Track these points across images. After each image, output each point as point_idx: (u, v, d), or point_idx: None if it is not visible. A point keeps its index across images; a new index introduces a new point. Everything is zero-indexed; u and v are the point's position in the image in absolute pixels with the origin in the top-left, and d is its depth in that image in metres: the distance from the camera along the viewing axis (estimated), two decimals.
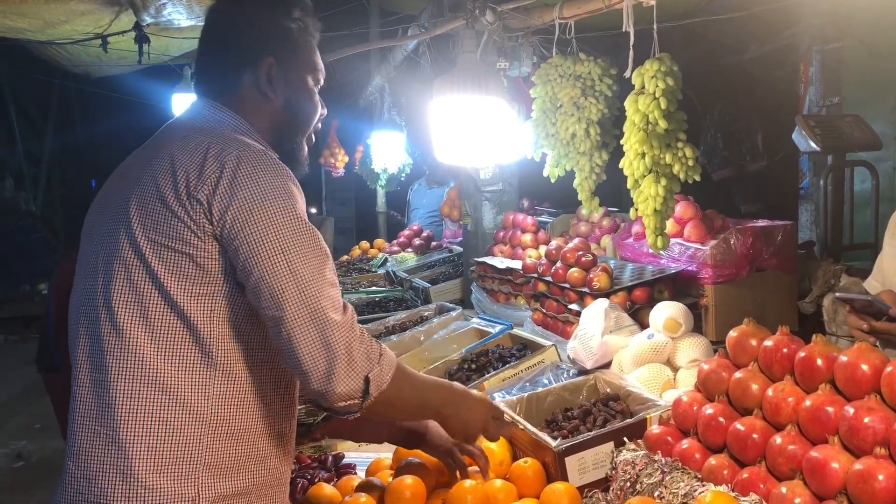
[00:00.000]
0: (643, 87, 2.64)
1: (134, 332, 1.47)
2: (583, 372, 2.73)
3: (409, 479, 2.01)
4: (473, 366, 3.06)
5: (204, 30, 1.71)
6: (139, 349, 1.47)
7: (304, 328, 1.42)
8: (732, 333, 2.05)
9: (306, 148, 1.77)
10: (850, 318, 1.93)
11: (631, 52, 2.63)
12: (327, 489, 2.10)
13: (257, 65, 1.63)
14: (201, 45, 1.71)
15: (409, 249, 5.92)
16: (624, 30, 2.64)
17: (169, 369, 1.46)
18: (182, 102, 6.24)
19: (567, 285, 3.30)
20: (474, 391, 1.89)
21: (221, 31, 1.68)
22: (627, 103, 2.70)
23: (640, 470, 1.93)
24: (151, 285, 1.47)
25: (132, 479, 1.43)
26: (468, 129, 2.71)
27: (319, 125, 1.79)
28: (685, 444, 1.98)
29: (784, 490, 1.67)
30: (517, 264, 3.88)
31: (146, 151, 1.63)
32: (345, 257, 6.24)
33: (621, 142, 2.77)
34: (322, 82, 1.75)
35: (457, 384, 1.87)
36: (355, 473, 2.36)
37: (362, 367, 1.46)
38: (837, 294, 1.90)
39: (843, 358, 1.73)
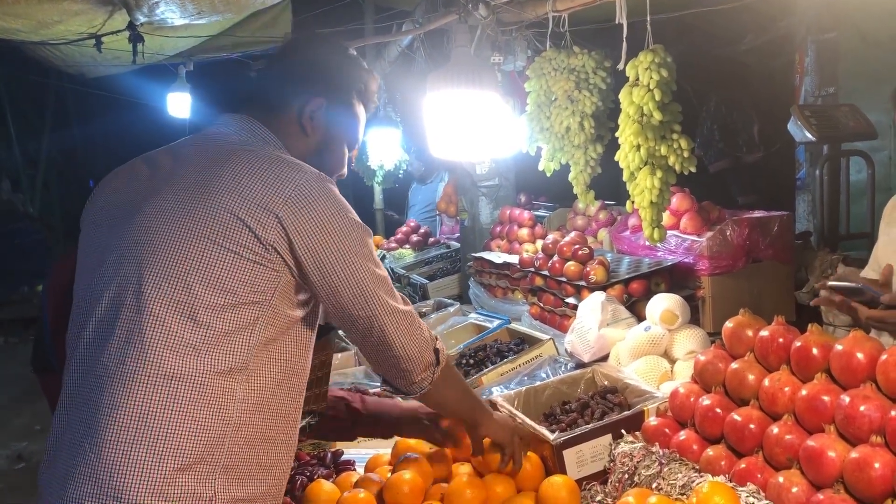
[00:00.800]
0: (637, 79, 2.64)
1: (179, 330, 1.48)
2: (580, 365, 2.74)
3: (407, 474, 2.01)
4: (472, 361, 3.07)
5: (281, 50, 1.83)
6: (180, 348, 1.48)
7: (391, 319, 1.64)
8: (728, 324, 2.05)
9: None
10: (824, 296, 1.93)
11: (624, 44, 2.63)
12: (326, 485, 2.10)
13: (310, 98, 1.73)
14: (271, 64, 1.82)
15: (407, 246, 5.91)
16: (617, 22, 2.63)
17: (204, 369, 1.48)
18: (177, 101, 6.24)
19: (564, 279, 3.30)
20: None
21: (298, 57, 1.78)
22: (622, 95, 2.70)
23: (638, 462, 1.94)
24: (205, 286, 1.49)
25: (157, 475, 1.43)
26: (463, 123, 2.70)
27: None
28: (683, 435, 1.99)
29: (781, 479, 1.68)
30: (514, 259, 3.88)
31: (190, 155, 1.65)
32: None
33: (616, 134, 2.77)
34: (352, 154, 1.85)
35: None
36: (354, 469, 2.36)
37: (430, 342, 1.74)
38: (829, 283, 1.90)
39: (839, 347, 1.73)
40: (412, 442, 2.28)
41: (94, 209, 1.70)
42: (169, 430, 1.45)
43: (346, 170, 1.85)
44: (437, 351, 1.76)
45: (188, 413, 1.47)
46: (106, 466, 1.44)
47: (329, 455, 2.44)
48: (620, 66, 2.67)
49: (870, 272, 2.49)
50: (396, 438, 2.29)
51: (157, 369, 1.47)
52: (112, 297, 1.54)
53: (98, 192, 1.73)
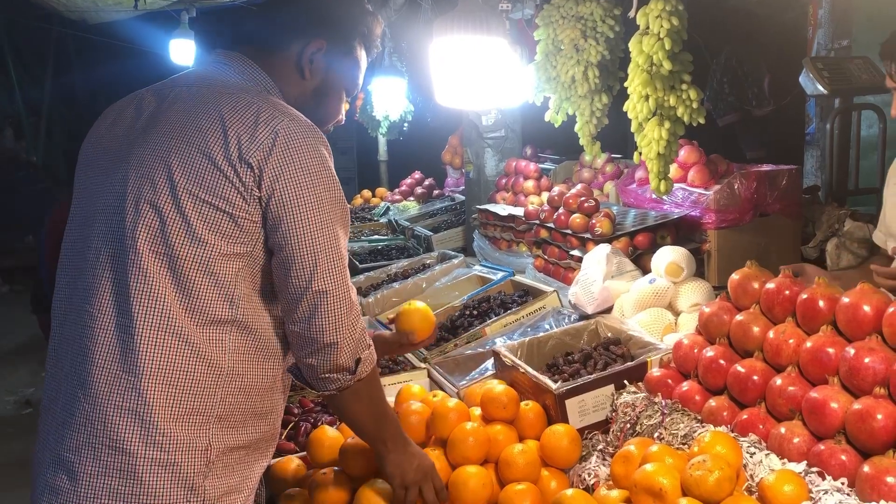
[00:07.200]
0: (647, 28, 2.58)
1: (162, 280, 1.47)
2: (584, 317, 2.74)
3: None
4: (475, 312, 3.07)
5: None
6: (165, 298, 1.46)
7: (330, 300, 1.51)
8: (734, 276, 2.04)
9: None
10: (878, 271, 1.94)
11: None
12: (330, 431, 2.12)
13: (309, 40, 1.65)
14: (271, 1, 1.70)
15: (411, 198, 5.90)
16: None
17: (191, 321, 1.47)
18: (180, 48, 6.16)
19: (569, 231, 3.28)
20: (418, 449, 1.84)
21: None
22: (631, 44, 2.65)
23: (640, 412, 1.94)
24: (186, 238, 1.47)
25: (150, 426, 1.44)
26: (470, 71, 2.65)
27: (331, 128, 1.79)
28: (685, 386, 1.99)
29: (783, 430, 1.68)
30: (519, 211, 3.86)
31: (178, 96, 1.58)
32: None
33: (625, 84, 2.73)
34: (350, 99, 1.78)
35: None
36: None
37: (359, 348, 1.58)
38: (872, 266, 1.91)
39: (845, 299, 1.72)
40: (416, 389, 2.30)
41: (85, 152, 1.67)
42: (159, 382, 1.45)
43: (343, 117, 1.79)
44: (358, 361, 1.59)
45: (179, 364, 1.46)
46: (101, 416, 1.45)
47: None
48: (631, 14, 2.62)
49: (879, 235, 2.47)
50: (401, 386, 2.30)
51: (146, 322, 1.46)
52: (98, 247, 1.53)
53: (90, 132, 1.69)
